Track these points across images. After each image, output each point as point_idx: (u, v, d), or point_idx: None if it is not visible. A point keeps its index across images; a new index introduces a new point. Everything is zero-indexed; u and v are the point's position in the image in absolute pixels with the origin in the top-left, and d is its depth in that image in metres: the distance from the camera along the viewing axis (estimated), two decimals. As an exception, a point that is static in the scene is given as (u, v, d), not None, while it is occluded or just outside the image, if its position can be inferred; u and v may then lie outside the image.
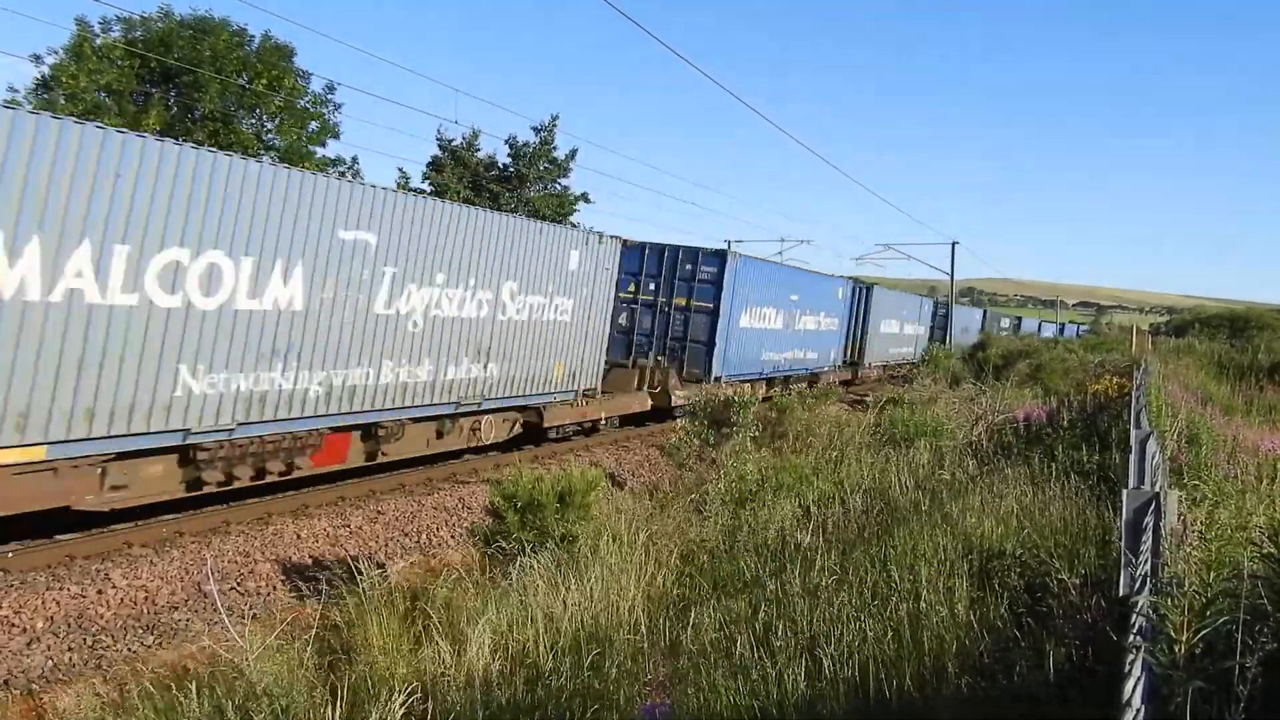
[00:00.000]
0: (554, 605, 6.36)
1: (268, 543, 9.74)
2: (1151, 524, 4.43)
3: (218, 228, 9.19)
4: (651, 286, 20.29)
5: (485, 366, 13.37)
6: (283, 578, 9.20)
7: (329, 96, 23.94)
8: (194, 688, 5.34)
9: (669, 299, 20.29)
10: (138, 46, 21.83)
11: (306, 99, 23.66)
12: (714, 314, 20.18)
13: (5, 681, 6.73)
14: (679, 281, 20.31)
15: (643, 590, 6.76)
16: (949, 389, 22.71)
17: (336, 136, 24.78)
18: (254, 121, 23.18)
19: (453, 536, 11.19)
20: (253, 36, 23.42)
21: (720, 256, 20.49)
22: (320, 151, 24.39)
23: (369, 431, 11.90)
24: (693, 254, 20.46)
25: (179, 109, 22.31)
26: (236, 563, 9.23)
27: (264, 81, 22.41)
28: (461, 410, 13.23)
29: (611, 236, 16.78)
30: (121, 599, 8.10)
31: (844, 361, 29.81)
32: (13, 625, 7.34)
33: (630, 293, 20.09)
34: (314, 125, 23.93)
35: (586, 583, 6.63)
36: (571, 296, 15.31)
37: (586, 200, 29.92)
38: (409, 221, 11.56)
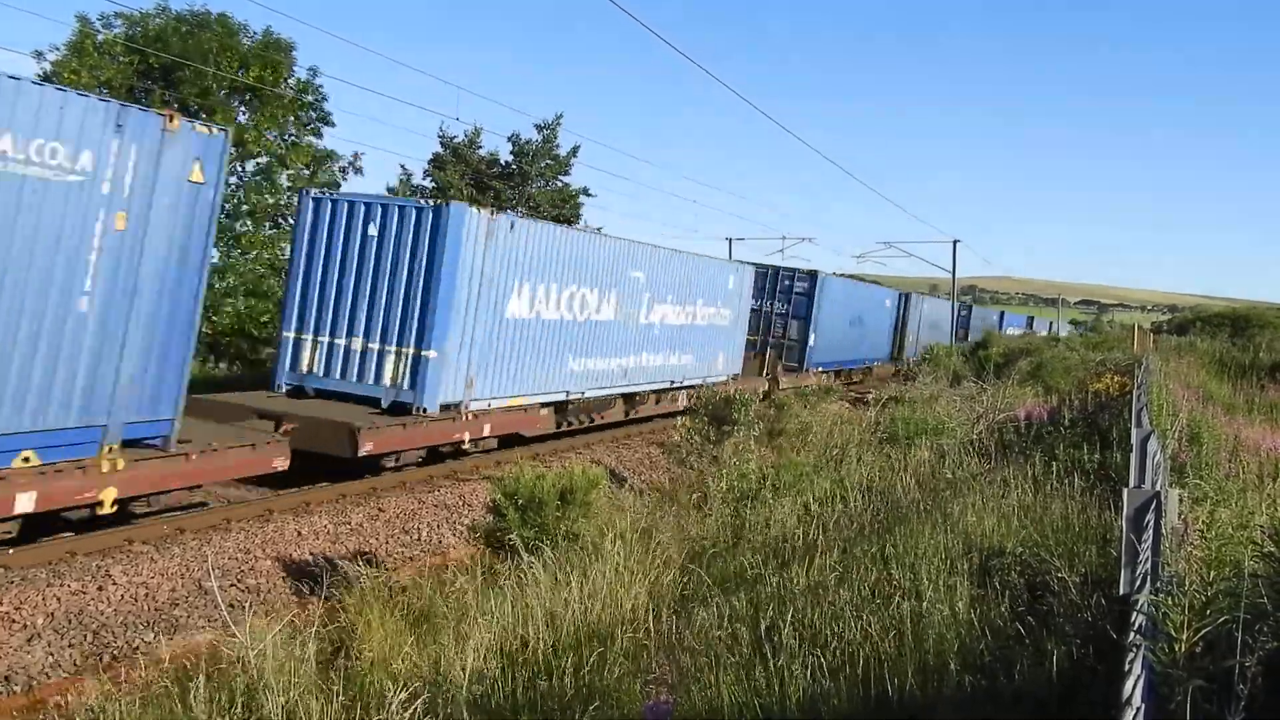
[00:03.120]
0: (556, 602, 6.36)
1: (268, 539, 9.75)
2: (1152, 523, 4.43)
3: (584, 272, 15.79)
4: (757, 298, 25.49)
5: (683, 357, 20.21)
6: (283, 575, 9.21)
7: (314, 82, 23.62)
8: (201, 681, 5.34)
9: (770, 308, 26.24)
10: (138, 43, 21.82)
11: (292, 84, 23.35)
12: (806, 319, 26.39)
13: (6, 678, 6.75)
14: (779, 294, 26.41)
15: (644, 587, 6.77)
16: (950, 387, 22.69)
17: (331, 124, 24.50)
18: (250, 116, 23.08)
19: (454, 534, 11.19)
20: (254, 33, 23.34)
21: (811, 275, 26.75)
22: (318, 143, 24.19)
23: (630, 398, 18.49)
24: (790, 273, 26.96)
25: (178, 105, 22.30)
26: (237, 559, 9.23)
27: (255, 74, 22.32)
28: (671, 386, 19.97)
29: (750, 264, 24.67)
30: (122, 595, 8.11)
31: (890, 356, 36.68)
32: (13, 621, 7.34)
33: None
34: (312, 115, 23.74)
35: (589, 580, 6.63)
36: (730, 307, 22.18)
37: (588, 194, 29.78)
38: (657, 264, 18.56)
